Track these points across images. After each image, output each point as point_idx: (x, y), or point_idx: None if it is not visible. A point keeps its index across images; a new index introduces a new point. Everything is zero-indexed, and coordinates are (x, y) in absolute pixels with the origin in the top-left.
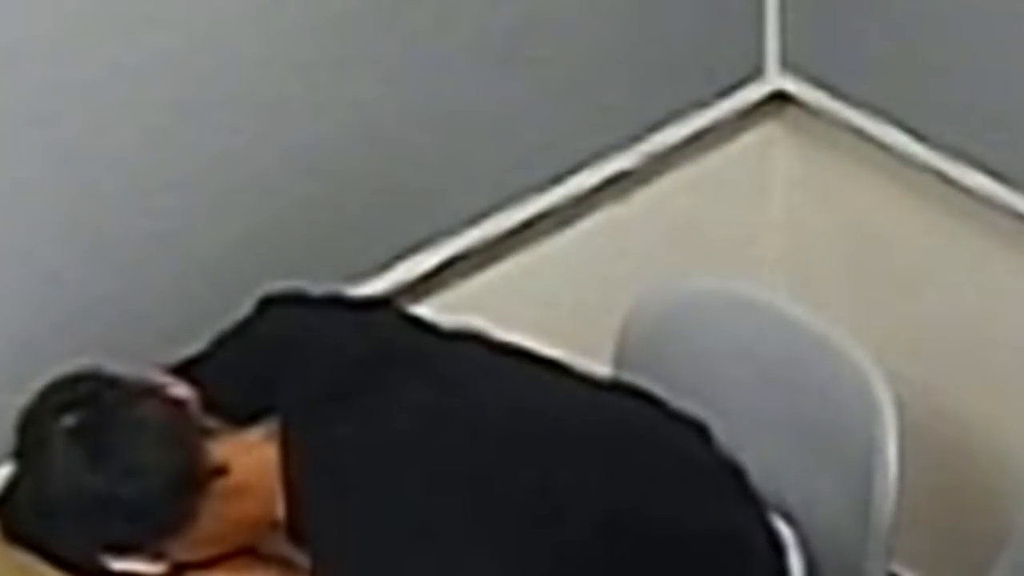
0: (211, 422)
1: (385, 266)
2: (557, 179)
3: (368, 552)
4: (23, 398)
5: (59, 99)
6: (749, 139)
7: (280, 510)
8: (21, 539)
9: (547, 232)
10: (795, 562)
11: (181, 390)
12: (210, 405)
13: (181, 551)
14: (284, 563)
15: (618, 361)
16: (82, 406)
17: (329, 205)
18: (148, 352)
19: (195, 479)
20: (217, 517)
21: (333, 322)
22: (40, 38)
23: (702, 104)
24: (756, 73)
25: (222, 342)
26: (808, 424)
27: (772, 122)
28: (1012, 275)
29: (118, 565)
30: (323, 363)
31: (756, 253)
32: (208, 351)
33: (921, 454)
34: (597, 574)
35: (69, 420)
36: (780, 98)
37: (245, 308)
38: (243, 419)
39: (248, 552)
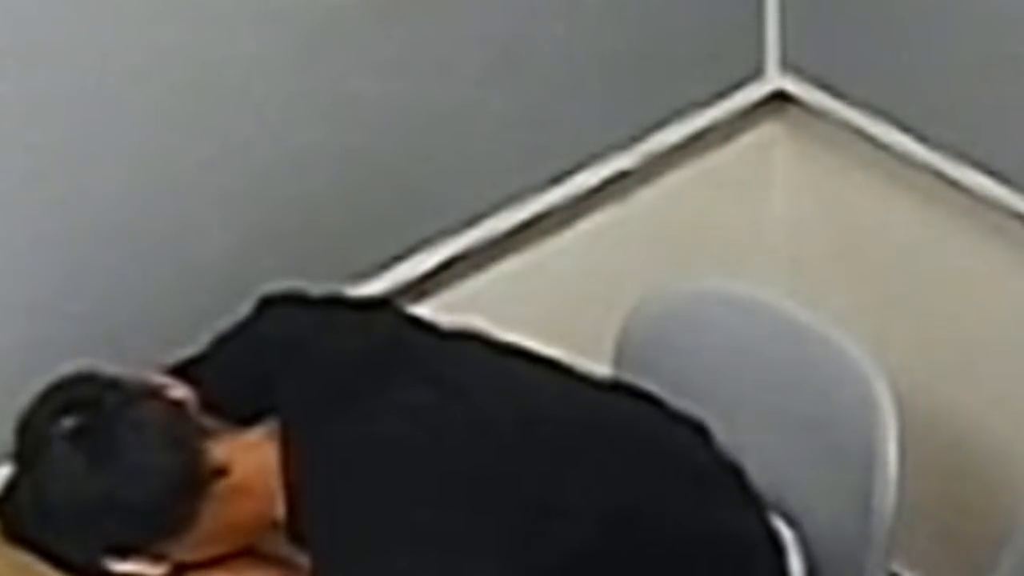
0: (211, 423)
1: (385, 266)
2: (557, 179)
3: (368, 553)
4: (23, 399)
5: (59, 99)
6: (749, 139)
7: (280, 510)
8: (21, 539)
9: (547, 232)
10: (795, 562)
11: (181, 391)
12: (210, 406)
13: (182, 552)
14: (284, 563)
15: (618, 361)
16: (82, 408)
17: (329, 205)
18: (148, 352)
19: (195, 480)
20: (217, 518)
21: (333, 322)
22: (40, 38)
23: (702, 104)
24: (756, 73)
25: (222, 342)
26: (808, 424)
27: (772, 122)
28: (1012, 275)
29: (119, 567)
30: (323, 363)
31: (756, 253)
32: (208, 351)
33: (921, 454)
34: (597, 574)
35: (69, 423)
36: (780, 98)
37: (245, 308)
38: (243, 419)
39: (248, 552)
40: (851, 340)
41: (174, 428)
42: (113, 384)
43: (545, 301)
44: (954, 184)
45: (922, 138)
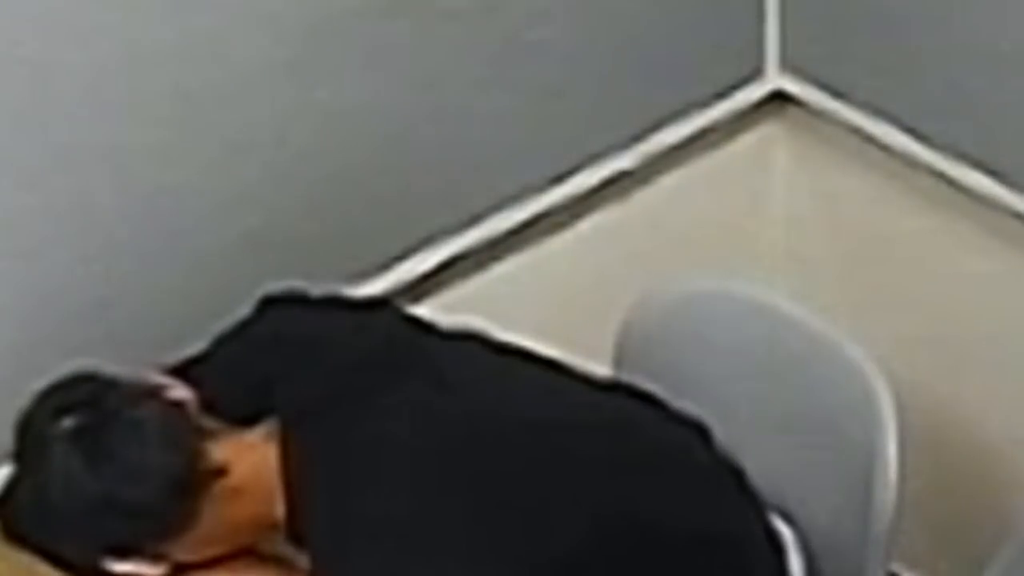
0: (211, 423)
1: (385, 266)
2: (557, 179)
3: (367, 553)
4: (23, 399)
5: (59, 99)
6: (749, 139)
7: (280, 510)
8: (22, 540)
9: (547, 232)
10: (795, 562)
11: (180, 391)
12: (210, 406)
13: (181, 552)
14: (284, 563)
15: (618, 361)
16: (81, 408)
17: (329, 205)
18: (148, 352)
19: (195, 480)
20: (217, 518)
21: (333, 322)
22: (40, 38)
23: (702, 104)
24: (756, 73)
25: (222, 342)
26: (808, 424)
27: (772, 122)
28: (1012, 275)
29: (119, 567)
30: (323, 363)
31: (756, 253)
32: (208, 351)
33: (921, 454)
34: (597, 574)
35: (68, 423)
36: (780, 98)
37: (245, 308)
38: (243, 420)
39: (248, 552)
40: (851, 340)
41: (173, 428)
42: (113, 384)
43: (545, 301)
44: (954, 184)
45: (922, 138)
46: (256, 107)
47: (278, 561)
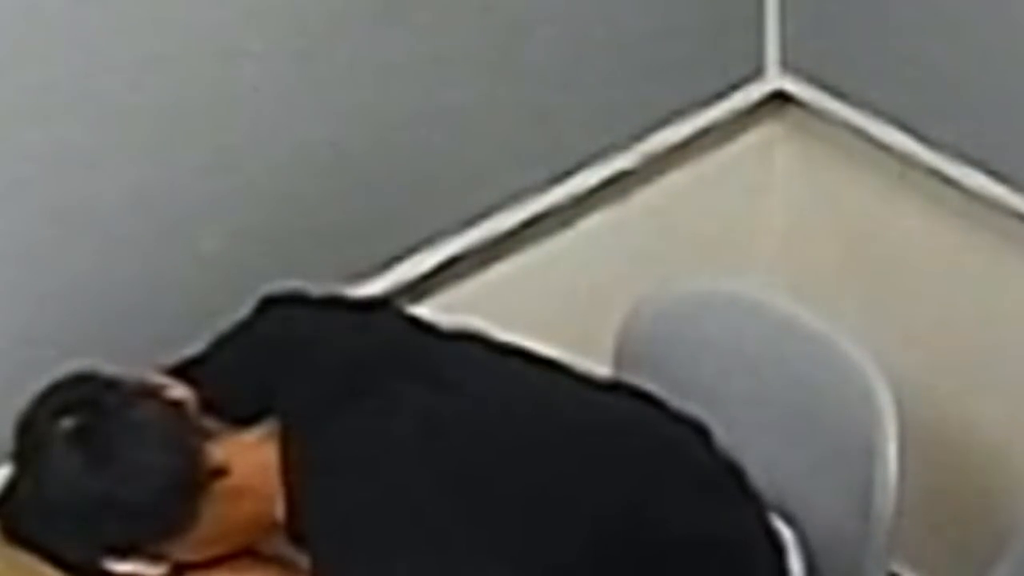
0: (211, 423)
1: (385, 266)
2: (557, 179)
3: (368, 553)
4: (23, 399)
5: (59, 99)
6: (749, 139)
7: (280, 510)
8: (21, 540)
9: (547, 232)
10: (795, 562)
11: (180, 391)
12: (210, 406)
13: (181, 552)
14: (284, 563)
15: (618, 361)
16: (81, 409)
17: (329, 205)
18: (148, 352)
19: (195, 480)
20: (217, 518)
21: (333, 322)
22: (40, 38)
23: (702, 104)
24: (756, 73)
25: (222, 343)
26: (808, 424)
27: (772, 122)
28: (1013, 275)
29: (119, 567)
30: (323, 364)
31: (756, 253)
32: (208, 352)
33: (921, 454)
34: (597, 574)
35: (68, 423)
36: (780, 98)
37: (245, 308)
38: (243, 420)
39: (248, 552)
40: (851, 340)
41: (173, 428)
42: (113, 384)
43: (545, 301)
44: (954, 184)
45: (922, 138)
46: (255, 107)
47: (278, 561)
